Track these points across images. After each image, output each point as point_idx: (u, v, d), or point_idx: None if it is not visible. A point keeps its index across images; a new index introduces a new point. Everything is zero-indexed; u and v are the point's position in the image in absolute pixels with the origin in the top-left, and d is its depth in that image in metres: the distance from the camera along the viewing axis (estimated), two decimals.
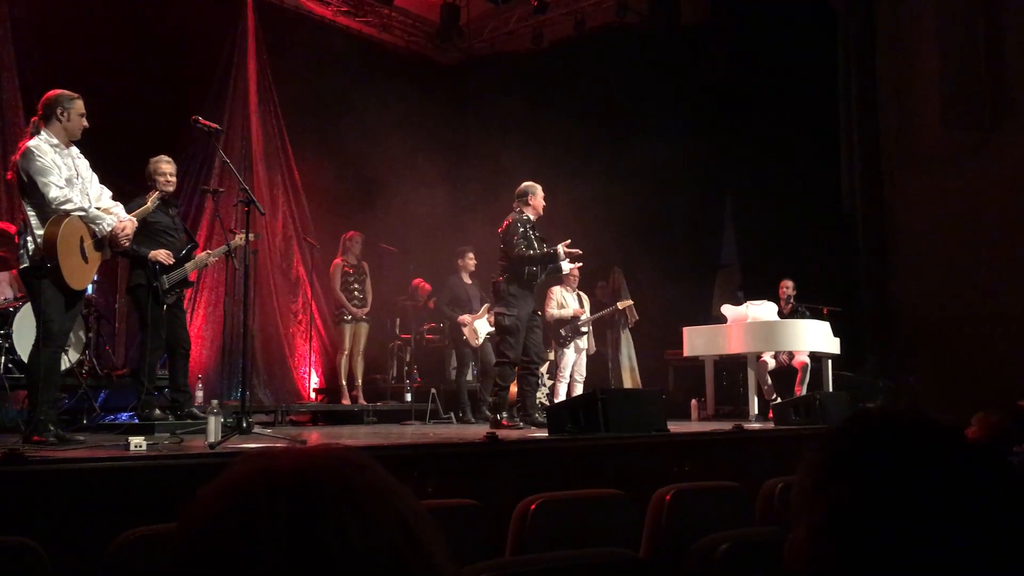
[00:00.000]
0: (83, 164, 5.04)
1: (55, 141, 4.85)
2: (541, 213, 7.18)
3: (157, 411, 5.88)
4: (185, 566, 0.70)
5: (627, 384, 9.10)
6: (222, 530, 0.69)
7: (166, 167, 6.14)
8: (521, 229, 6.92)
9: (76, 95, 4.98)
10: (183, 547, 0.71)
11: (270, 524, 0.67)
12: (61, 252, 4.66)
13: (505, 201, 9.11)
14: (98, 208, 5.02)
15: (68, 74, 7.72)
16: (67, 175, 4.84)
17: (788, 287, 9.27)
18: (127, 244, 5.23)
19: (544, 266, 7.05)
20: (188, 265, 6.14)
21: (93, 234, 4.95)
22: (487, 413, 8.90)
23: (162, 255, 5.90)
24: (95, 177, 5.15)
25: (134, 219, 5.27)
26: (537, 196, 7.13)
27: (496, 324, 6.92)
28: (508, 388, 6.94)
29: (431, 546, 0.72)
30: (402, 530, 0.70)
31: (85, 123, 4.97)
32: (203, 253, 6.42)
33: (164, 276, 5.91)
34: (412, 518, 0.72)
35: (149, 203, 5.76)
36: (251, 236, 5.90)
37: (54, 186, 4.70)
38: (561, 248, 6.92)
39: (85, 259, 4.90)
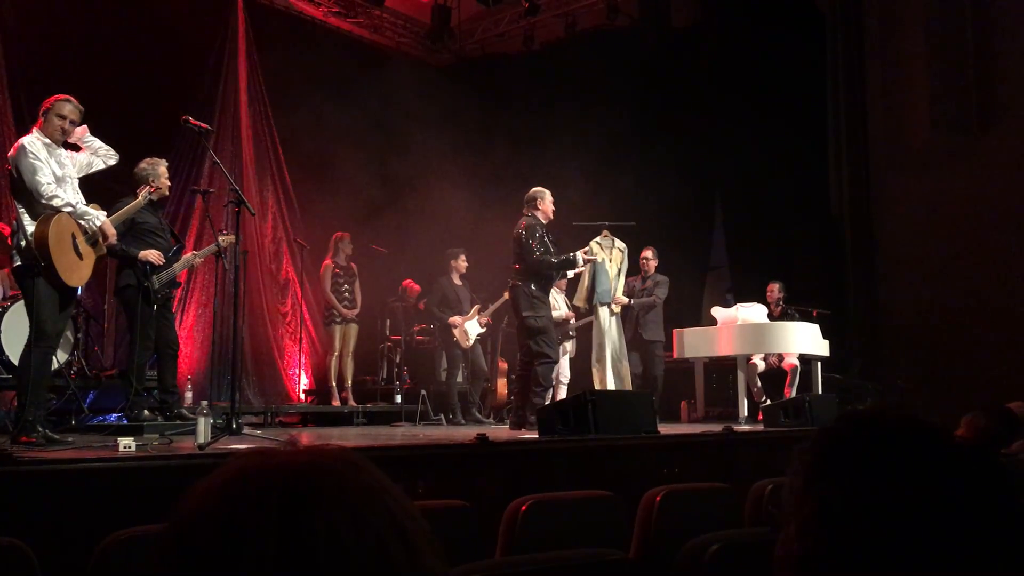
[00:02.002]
0: (70, 166, 5.04)
1: (47, 140, 4.87)
2: (552, 217, 7.32)
3: (146, 412, 5.86)
4: (174, 560, 0.70)
5: (596, 386, 8.04)
6: (212, 525, 0.69)
7: (165, 169, 6.18)
8: (538, 234, 7.03)
9: (64, 98, 4.94)
10: (173, 541, 0.71)
11: (259, 520, 0.67)
12: (54, 250, 4.66)
13: (495, 202, 9.15)
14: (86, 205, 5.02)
15: (57, 74, 7.72)
16: (59, 174, 4.85)
17: (775, 290, 9.29)
18: (115, 240, 5.25)
19: (563, 271, 7.35)
20: (176, 265, 6.14)
21: (84, 230, 4.95)
22: (476, 415, 8.95)
23: (153, 255, 5.90)
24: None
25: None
26: (546, 201, 7.25)
27: (528, 328, 6.94)
28: (550, 388, 6.99)
29: (423, 547, 0.72)
30: (393, 530, 0.70)
31: (66, 126, 4.91)
32: (190, 253, 6.43)
33: (154, 276, 5.91)
34: (404, 519, 0.72)
35: (141, 197, 5.76)
36: (233, 237, 5.89)
37: (43, 183, 4.71)
38: (580, 255, 7.23)
39: (79, 256, 4.90)
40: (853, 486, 0.83)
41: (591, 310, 8.34)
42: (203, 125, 5.68)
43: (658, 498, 2.70)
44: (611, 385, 7.93)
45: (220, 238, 6.17)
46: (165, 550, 0.71)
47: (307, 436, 6.84)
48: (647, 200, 10.12)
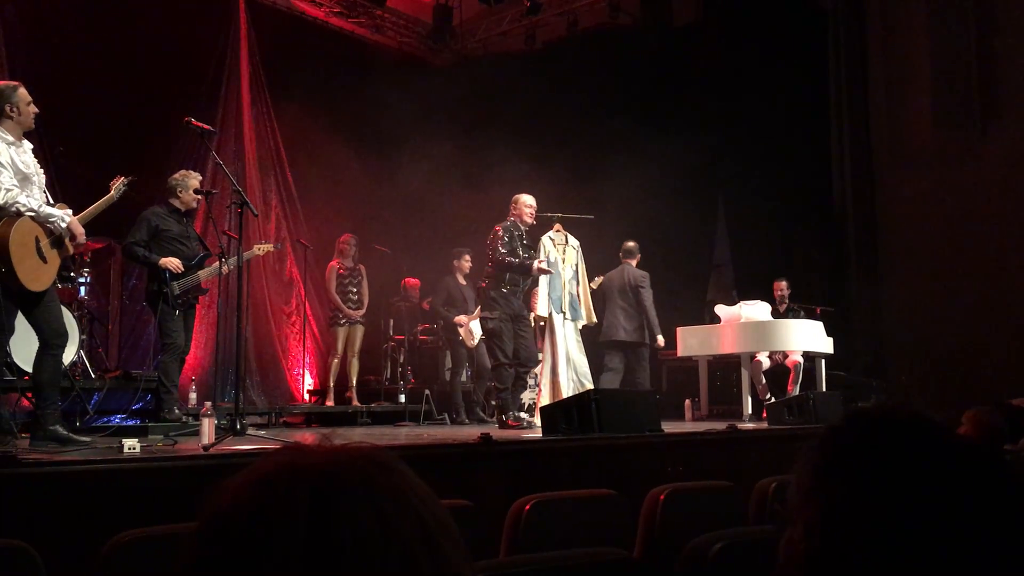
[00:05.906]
0: (33, 159, 4.80)
1: (10, 138, 4.62)
2: (531, 221, 7.34)
3: (176, 410, 5.97)
4: (202, 552, 0.71)
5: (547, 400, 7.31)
6: (242, 519, 0.70)
7: (197, 183, 6.31)
8: (506, 237, 7.09)
9: (16, 84, 4.77)
10: (202, 533, 0.72)
11: (289, 517, 0.69)
12: (15, 255, 4.45)
13: (497, 202, 9.12)
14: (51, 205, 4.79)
15: (58, 75, 7.72)
16: (25, 172, 4.64)
17: (782, 288, 9.30)
18: (84, 240, 4.99)
19: (526, 276, 7.25)
20: (201, 273, 6.22)
21: (49, 232, 4.72)
22: (480, 414, 8.95)
23: (172, 263, 6.00)
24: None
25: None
26: (519, 205, 7.30)
27: (482, 328, 7.00)
28: (508, 389, 7.03)
29: (449, 552, 0.73)
30: (420, 533, 0.71)
31: (35, 109, 4.74)
32: (216, 263, 6.26)
33: (175, 282, 5.98)
34: (432, 523, 0.73)
35: (113, 191, 5.39)
36: (272, 247, 5.99)
37: (2, 188, 4.48)
38: (535, 265, 7.14)
39: (43, 259, 4.68)
40: (860, 485, 0.83)
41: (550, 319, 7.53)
42: (205, 126, 5.68)
43: (662, 497, 2.69)
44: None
45: (257, 247, 6.20)
46: (195, 543, 0.72)
47: (310, 436, 6.84)
48: (649, 199, 10.11)
